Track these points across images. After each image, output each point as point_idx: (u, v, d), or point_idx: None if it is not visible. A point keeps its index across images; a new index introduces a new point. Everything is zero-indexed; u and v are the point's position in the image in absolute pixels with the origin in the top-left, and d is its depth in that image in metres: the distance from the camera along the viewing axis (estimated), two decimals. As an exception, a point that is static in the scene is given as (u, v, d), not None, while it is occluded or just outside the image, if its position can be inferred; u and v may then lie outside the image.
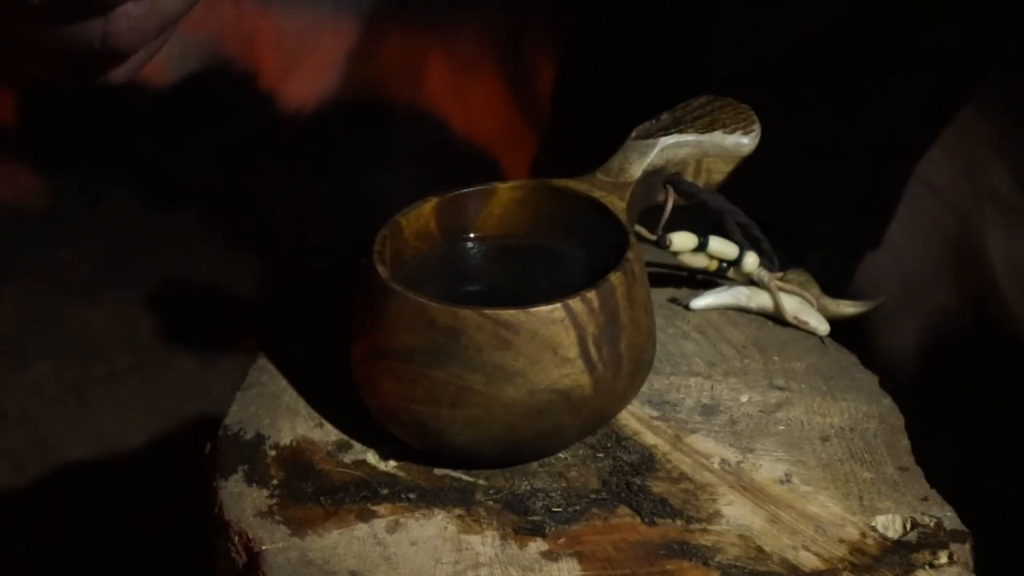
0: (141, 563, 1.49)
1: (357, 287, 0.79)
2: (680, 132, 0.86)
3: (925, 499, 0.77)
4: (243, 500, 0.76)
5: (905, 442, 0.81)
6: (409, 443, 0.78)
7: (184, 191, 1.97)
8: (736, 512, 0.76)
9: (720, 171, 0.88)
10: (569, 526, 0.74)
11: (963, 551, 0.74)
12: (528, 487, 0.77)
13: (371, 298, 0.77)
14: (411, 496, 0.76)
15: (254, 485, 0.77)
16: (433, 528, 0.74)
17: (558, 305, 0.74)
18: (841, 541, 0.74)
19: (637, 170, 0.84)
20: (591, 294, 0.75)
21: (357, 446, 0.79)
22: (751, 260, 0.88)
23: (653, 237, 0.86)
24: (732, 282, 0.91)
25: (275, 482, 0.77)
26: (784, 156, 1.17)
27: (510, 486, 0.77)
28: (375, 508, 0.75)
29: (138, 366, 1.74)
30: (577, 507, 0.76)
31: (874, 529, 0.75)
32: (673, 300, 0.90)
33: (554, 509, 0.75)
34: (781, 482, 0.78)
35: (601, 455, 0.79)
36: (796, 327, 0.88)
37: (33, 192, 1.96)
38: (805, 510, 0.76)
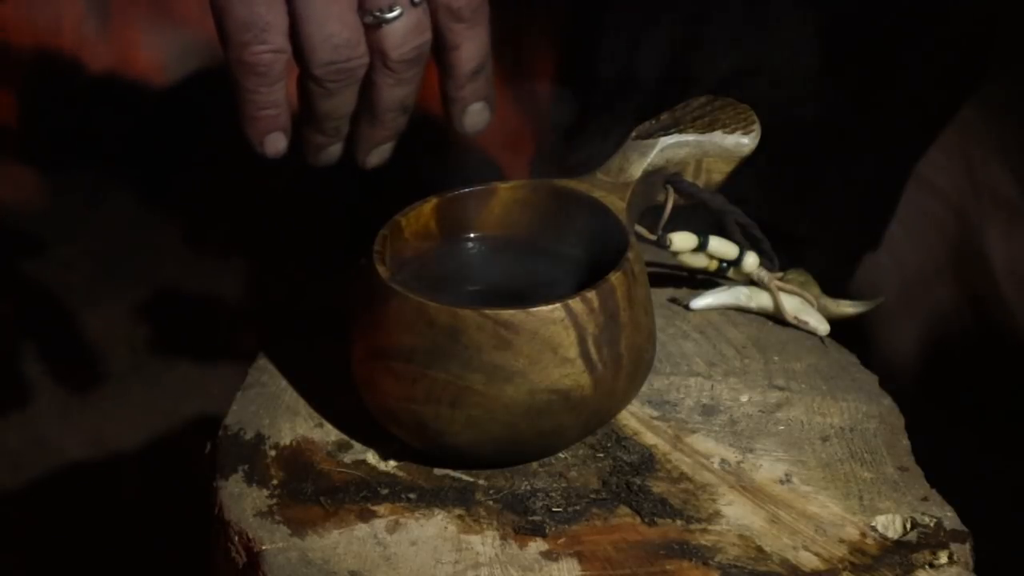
0: (141, 563, 1.48)
1: (357, 287, 0.79)
2: (680, 132, 0.86)
3: (925, 499, 0.77)
4: (243, 500, 0.76)
5: (905, 442, 0.81)
6: (409, 443, 0.78)
7: (184, 191, 1.97)
8: (736, 512, 0.76)
9: (720, 171, 0.88)
10: (569, 526, 0.74)
11: (963, 551, 0.74)
12: (528, 487, 0.77)
13: (371, 298, 0.77)
14: (411, 496, 0.76)
15: (254, 485, 0.77)
16: (433, 528, 0.74)
17: (558, 305, 0.74)
18: (841, 541, 0.74)
19: (637, 170, 0.84)
20: (591, 294, 0.75)
21: (357, 446, 0.80)
22: (751, 260, 0.88)
23: (653, 237, 0.86)
24: (732, 282, 0.91)
25: (275, 482, 0.77)
26: (783, 156, 1.17)
27: (510, 486, 0.77)
28: (375, 508, 0.75)
29: (138, 366, 1.73)
30: (577, 507, 0.76)
31: (874, 529, 0.75)
32: (673, 300, 0.90)
33: (554, 509, 0.75)
34: (781, 482, 0.78)
35: (601, 455, 0.79)
36: (796, 327, 0.88)
37: (33, 192, 1.96)
38: (805, 510, 0.76)
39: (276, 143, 0.88)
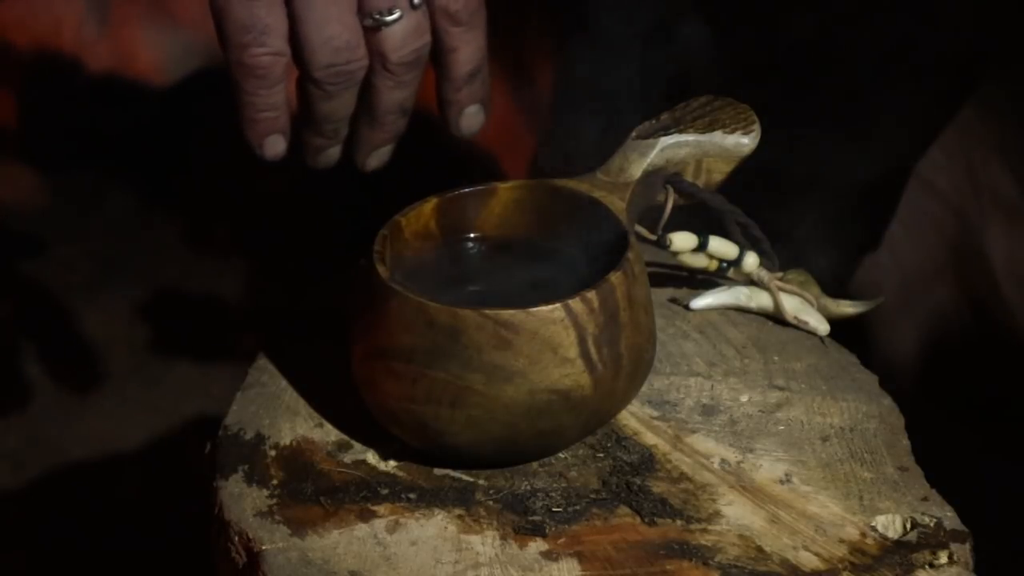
0: (141, 563, 1.49)
1: (357, 287, 0.79)
2: (680, 132, 0.86)
3: (925, 499, 0.77)
4: (243, 500, 0.76)
5: (905, 442, 0.81)
6: (409, 443, 0.78)
7: (184, 191, 1.97)
8: (736, 512, 0.76)
9: (720, 171, 0.88)
10: (569, 526, 0.75)
11: (963, 551, 0.74)
12: (528, 487, 0.77)
13: (371, 298, 0.77)
14: (411, 496, 0.76)
15: (254, 485, 0.77)
16: (433, 528, 0.74)
17: (558, 305, 0.74)
18: (841, 541, 0.74)
19: (637, 170, 0.84)
20: (591, 294, 0.75)
21: (357, 446, 0.80)
22: (751, 260, 0.88)
23: (653, 237, 0.86)
24: (732, 282, 0.91)
25: (275, 482, 0.77)
26: (783, 156, 1.17)
27: (510, 486, 0.77)
28: (375, 508, 0.76)
29: (138, 366, 1.74)
30: (577, 507, 0.76)
31: (874, 529, 0.75)
32: (673, 300, 0.90)
33: (554, 509, 0.75)
34: (781, 482, 0.78)
35: (601, 455, 0.79)
36: (796, 327, 0.88)
37: (33, 192, 1.96)
38: (805, 510, 0.76)
39: (275, 145, 0.88)
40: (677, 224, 0.87)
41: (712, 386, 0.84)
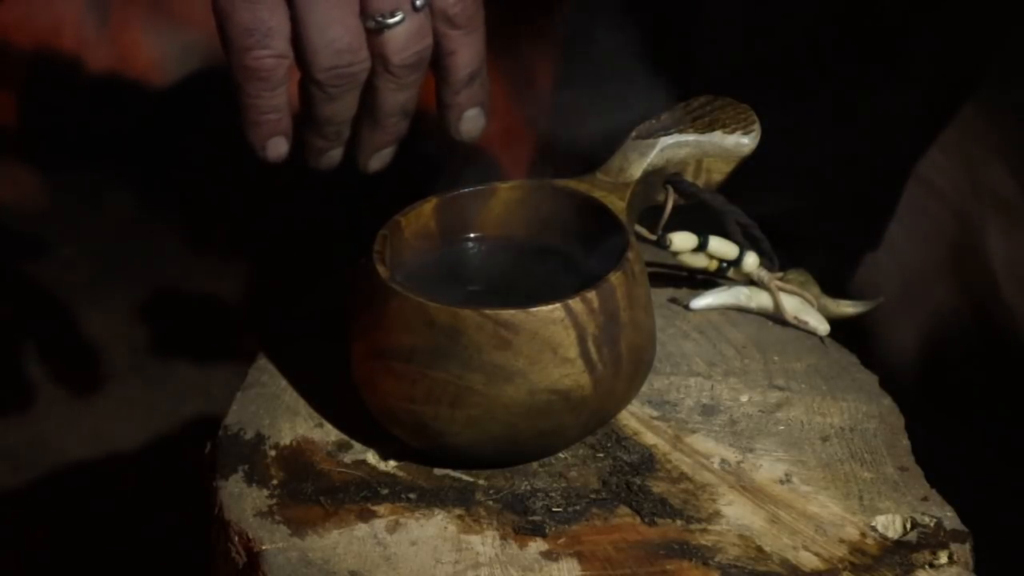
0: (141, 563, 1.49)
1: (357, 287, 0.79)
2: (680, 132, 0.86)
3: (925, 499, 0.77)
4: (243, 500, 0.76)
5: (905, 442, 0.81)
6: (409, 443, 0.78)
7: (183, 191, 1.97)
8: (736, 512, 0.76)
9: (720, 171, 0.88)
10: (569, 526, 0.75)
11: (963, 551, 0.74)
12: (528, 487, 0.77)
13: (371, 298, 0.77)
14: (411, 496, 0.76)
15: (254, 485, 0.77)
16: (433, 528, 0.74)
17: (558, 305, 0.74)
18: (841, 541, 0.74)
19: (637, 170, 0.84)
20: (591, 294, 0.75)
21: (357, 446, 0.80)
22: (751, 260, 0.88)
23: (653, 237, 0.86)
24: (732, 282, 0.91)
25: (275, 482, 0.77)
26: (783, 156, 1.17)
27: (510, 486, 0.77)
28: (375, 508, 0.76)
29: (138, 366, 1.73)
30: (577, 507, 0.76)
31: (874, 529, 0.75)
32: (673, 300, 0.90)
33: (554, 509, 0.75)
34: (781, 482, 0.78)
35: (601, 455, 0.79)
36: (796, 327, 0.88)
37: (33, 192, 1.96)
38: (805, 510, 0.76)
39: (278, 147, 0.88)
40: (677, 224, 0.87)
41: (712, 386, 0.84)
